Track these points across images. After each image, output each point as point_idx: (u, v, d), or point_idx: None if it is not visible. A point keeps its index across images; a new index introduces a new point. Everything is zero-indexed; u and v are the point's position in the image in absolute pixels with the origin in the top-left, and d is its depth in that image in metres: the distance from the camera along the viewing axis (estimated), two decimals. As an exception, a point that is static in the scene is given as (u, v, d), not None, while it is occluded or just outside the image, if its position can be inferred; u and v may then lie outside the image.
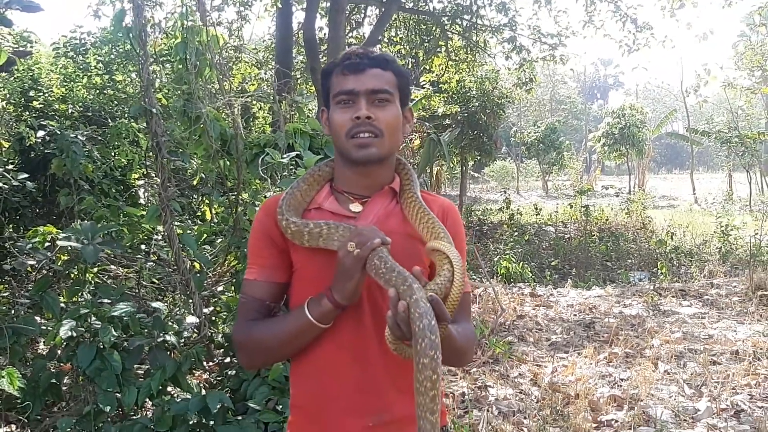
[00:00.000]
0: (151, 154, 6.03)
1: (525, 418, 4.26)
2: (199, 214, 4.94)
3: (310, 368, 1.46)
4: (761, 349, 5.52)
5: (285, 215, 1.42)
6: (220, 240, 3.86)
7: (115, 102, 7.54)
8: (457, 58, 14.97)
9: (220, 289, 4.20)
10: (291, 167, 3.67)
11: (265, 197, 4.23)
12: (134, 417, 3.29)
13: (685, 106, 29.09)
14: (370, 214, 1.46)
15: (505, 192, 20.22)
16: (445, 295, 1.29)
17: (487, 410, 4.27)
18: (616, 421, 4.20)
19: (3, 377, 2.73)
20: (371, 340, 1.41)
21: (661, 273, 9.21)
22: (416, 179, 1.53)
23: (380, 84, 1.43)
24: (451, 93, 14.81)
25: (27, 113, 6.65)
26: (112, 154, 5.94)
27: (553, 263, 10.54)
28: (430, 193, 1.62)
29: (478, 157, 17.13)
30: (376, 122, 1.41)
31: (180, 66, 3.43)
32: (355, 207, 1.48)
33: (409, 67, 14.74)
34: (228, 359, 3.71)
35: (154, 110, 3.14)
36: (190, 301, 3.32)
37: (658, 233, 12.57)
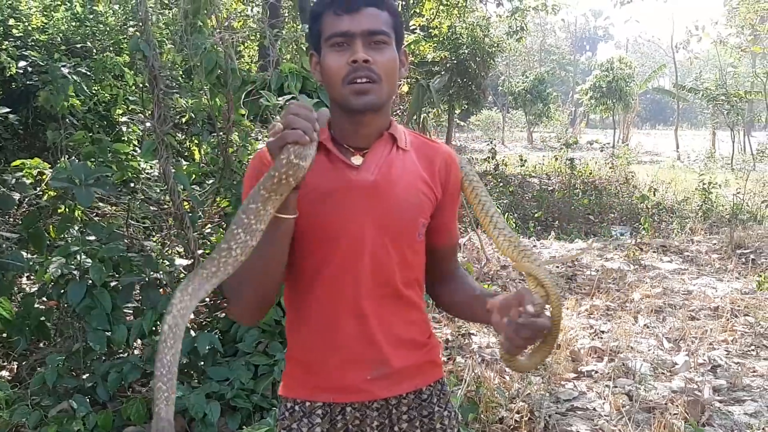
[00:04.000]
0: (136, 89, 5.92)
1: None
2: (186, 154, 4.85)
3: (306, 319, 1.40)
4: (739, 306, 5.64)
5: None
6: (211, 181, 3.80)
7: (97, 34, 7.29)
8: (448, 3, 14.69)
9: (208, 231, 4.16)
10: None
11: (256, 139, 4.16)
12: (123, 355, 3.29)
13: (674, 62, 29.03)
14: (371, 164, 1.38)
15: (490, 142, 20.12)
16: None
17: (471, 358, 4.34)
18: (596, 371, 4.29)
19: (-6, 310, 2.71)
20: (368, 291, 1.36)
21: (643, 228, 9.31)
22: (480, 185, 1.49)
23: (377, 24, 1.31)
24: (441, 39, 14.57)
25: (6, 42, 6.43)
26: (95, 88, 5.78)
27: (536, 215, 10.60)
28: (430, 138, 1.52)
29: (465, 106, 17.00)
30: (374, 66, 1.30)
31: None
32: (357, 159, 1.38)
33: (399, 10, 14.43)
34: (218, 301, 3.71)
35: (150, 45, 3.04)
36: (186, 239, 3.28)
37: (640, 188, 12.66)
